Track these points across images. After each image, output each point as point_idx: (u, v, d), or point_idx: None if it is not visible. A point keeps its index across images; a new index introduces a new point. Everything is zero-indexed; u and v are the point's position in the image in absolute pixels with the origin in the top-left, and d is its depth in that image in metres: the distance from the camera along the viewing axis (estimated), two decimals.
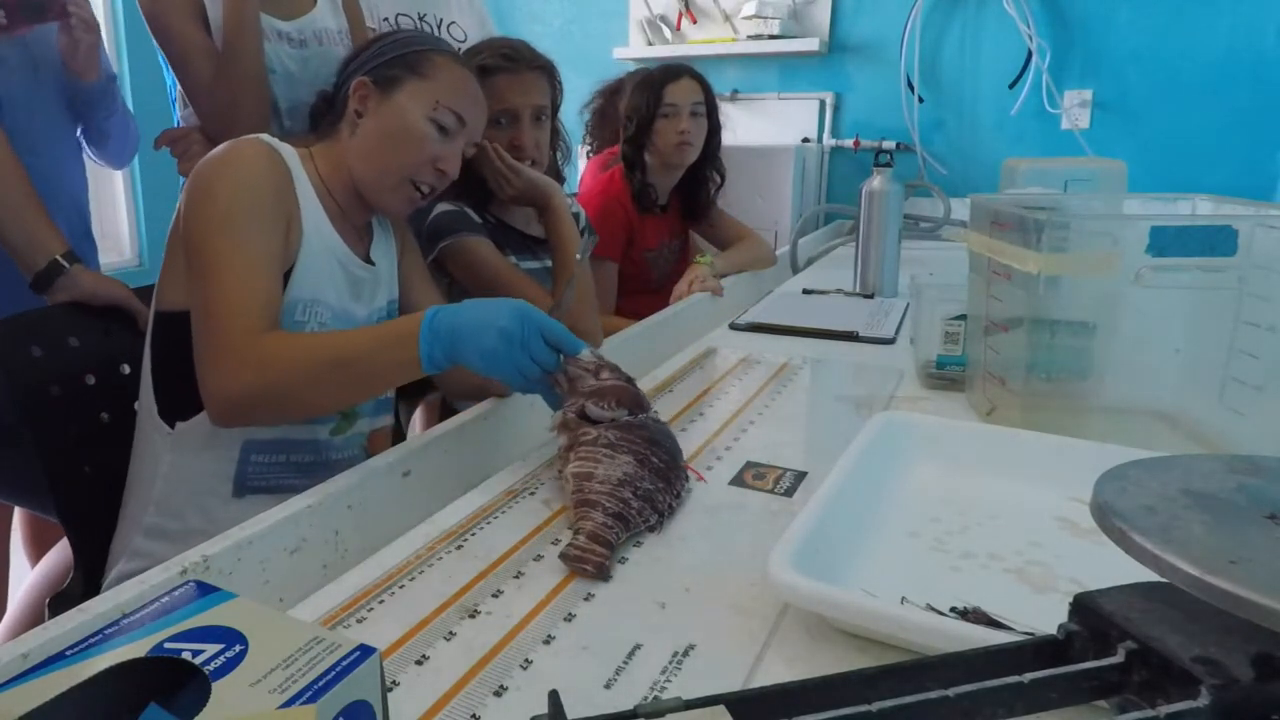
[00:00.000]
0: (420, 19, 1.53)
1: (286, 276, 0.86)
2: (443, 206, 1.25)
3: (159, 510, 0.87)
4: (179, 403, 0.86)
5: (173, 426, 0.87)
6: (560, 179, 1.37)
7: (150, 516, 0.87)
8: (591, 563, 0.58)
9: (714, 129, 1.77)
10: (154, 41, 1.21)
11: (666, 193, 1.80)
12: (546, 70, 1.28)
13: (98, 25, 1.25)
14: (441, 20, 1.57)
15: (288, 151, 0.91)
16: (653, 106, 1.71)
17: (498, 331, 0.72)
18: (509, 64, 1.24)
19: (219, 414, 0.77)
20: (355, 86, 0.93)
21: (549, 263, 1.28)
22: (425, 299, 1.08)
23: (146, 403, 0.89)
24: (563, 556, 0.59)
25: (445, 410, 1.37)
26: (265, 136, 0.89)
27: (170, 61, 1.21)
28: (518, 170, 1.21)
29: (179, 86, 1.24)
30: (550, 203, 1.22)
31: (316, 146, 0.96)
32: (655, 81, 1.73)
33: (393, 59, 0.94)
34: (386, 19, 1.51)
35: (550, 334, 0.74)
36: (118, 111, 1.36)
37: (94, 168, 1.42)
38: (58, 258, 1.04)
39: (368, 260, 0.97)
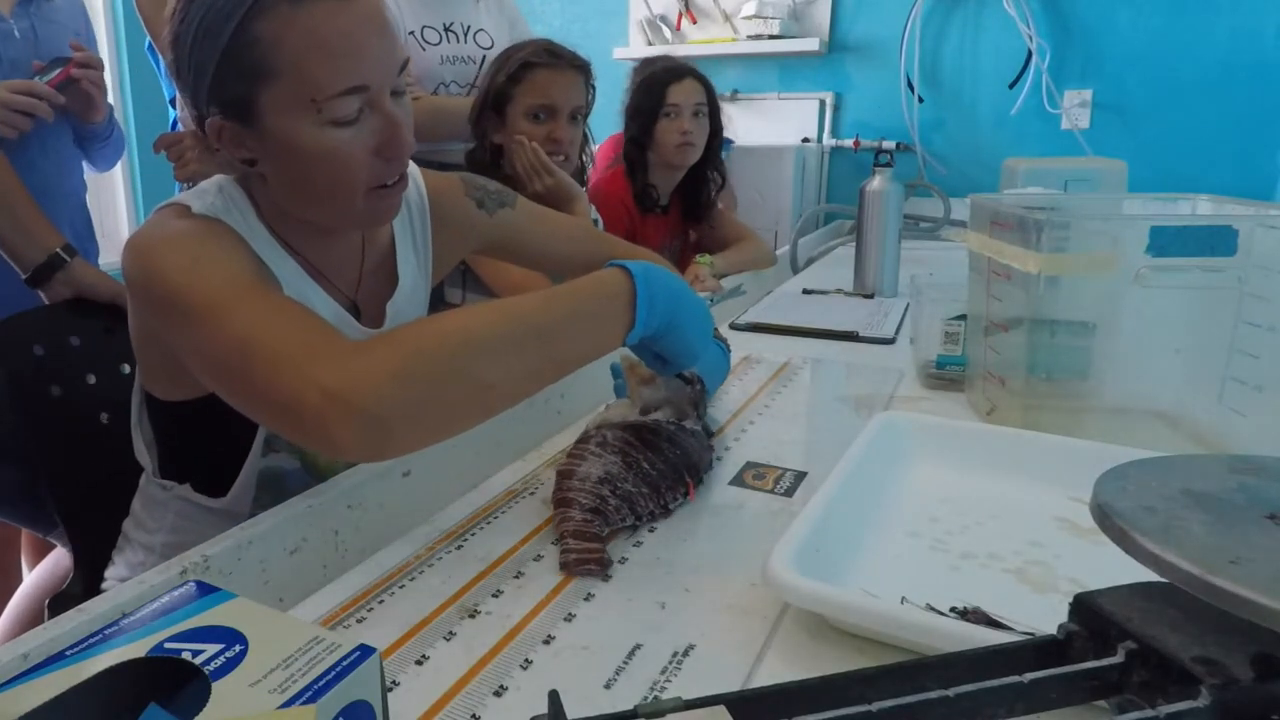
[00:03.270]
0: (446, 29, 1.52)
1: None
2: None
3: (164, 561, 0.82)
4: (181, 471, 0.80)
5: (179, 481, 0.80)
6: (584, 182, 1.38)
7: (154, 560, 0.81)
8: (593, 561, 0.59)
9: (716, 129, 1.77)
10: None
11: (668, 193, 1.79)
12: (584, 71, 1.29)
13: (102, 64, 1.23)
14: (469, 27, 1.56)
15: (236, 205, 0.71)
16: (655, 106, 1.71)
17: (707, 317, 0.67)
18: (552, 59, 1.25)
19: (357, 450, 0.54)
20: (212, 133, 0.67)
21: None
22: (569, 239, 0.95)
23: (141, 457, 0.81)
24: (563, 566, 0.59)
25: None
26: (194, 206, 0.68)
27: (167, 67, 1.22)
28: (551, 168, 1.22)
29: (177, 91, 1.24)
30: (573, 208, 1.22)
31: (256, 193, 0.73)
32: (658, 81, 1.73)
33: (219, 70, 0.64)
34: (412, 32, 1.49)
35: None
36: (113, 139, 1.36)
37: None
38: (58, 250, 1.04)
39: (380, 315, 0.81)
